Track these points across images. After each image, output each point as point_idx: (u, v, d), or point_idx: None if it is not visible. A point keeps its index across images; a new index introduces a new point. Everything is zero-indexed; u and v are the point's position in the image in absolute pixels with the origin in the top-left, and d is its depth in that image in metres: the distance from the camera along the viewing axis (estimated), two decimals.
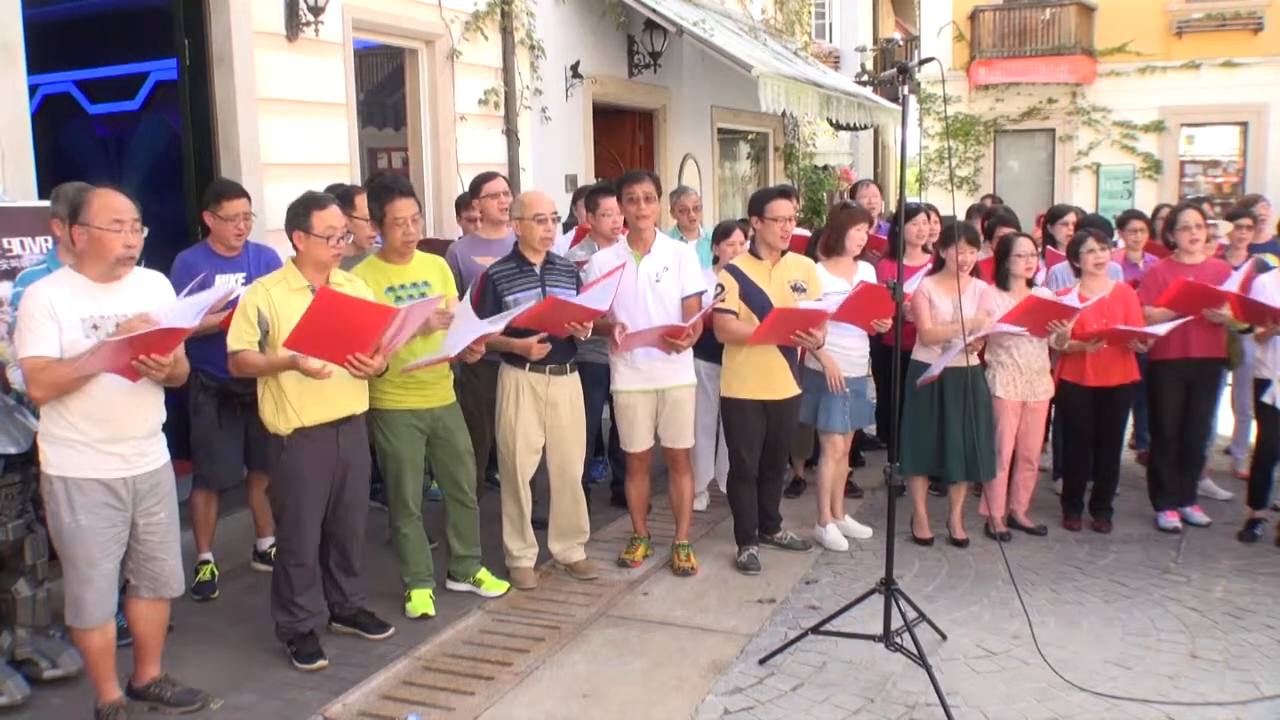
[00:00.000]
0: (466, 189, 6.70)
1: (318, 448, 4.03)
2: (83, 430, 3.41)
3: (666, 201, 7.02)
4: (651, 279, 4.91)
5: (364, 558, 4.43)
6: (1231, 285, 5.34)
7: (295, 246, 4.02)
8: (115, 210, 3.37)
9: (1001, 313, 5.26)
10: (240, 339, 3.90)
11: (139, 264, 3.57)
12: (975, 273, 5.38)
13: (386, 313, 3.82)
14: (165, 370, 3.40)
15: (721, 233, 5.86)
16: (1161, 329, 5.26)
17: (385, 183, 4.68)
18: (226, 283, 4.65)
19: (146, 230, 3.51)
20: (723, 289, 4.96)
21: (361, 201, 5.05)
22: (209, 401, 4.71)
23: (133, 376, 3.39)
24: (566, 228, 7.71)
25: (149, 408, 3.58)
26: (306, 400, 3.97)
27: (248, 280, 4.66)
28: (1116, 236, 6.77)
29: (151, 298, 3.55)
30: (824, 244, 5.55)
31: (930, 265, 5.65)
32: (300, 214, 3.97)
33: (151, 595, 3.70)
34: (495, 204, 5.58)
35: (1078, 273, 5.58)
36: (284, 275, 4.04)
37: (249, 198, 4.83)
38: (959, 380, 5.27)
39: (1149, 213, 7.18)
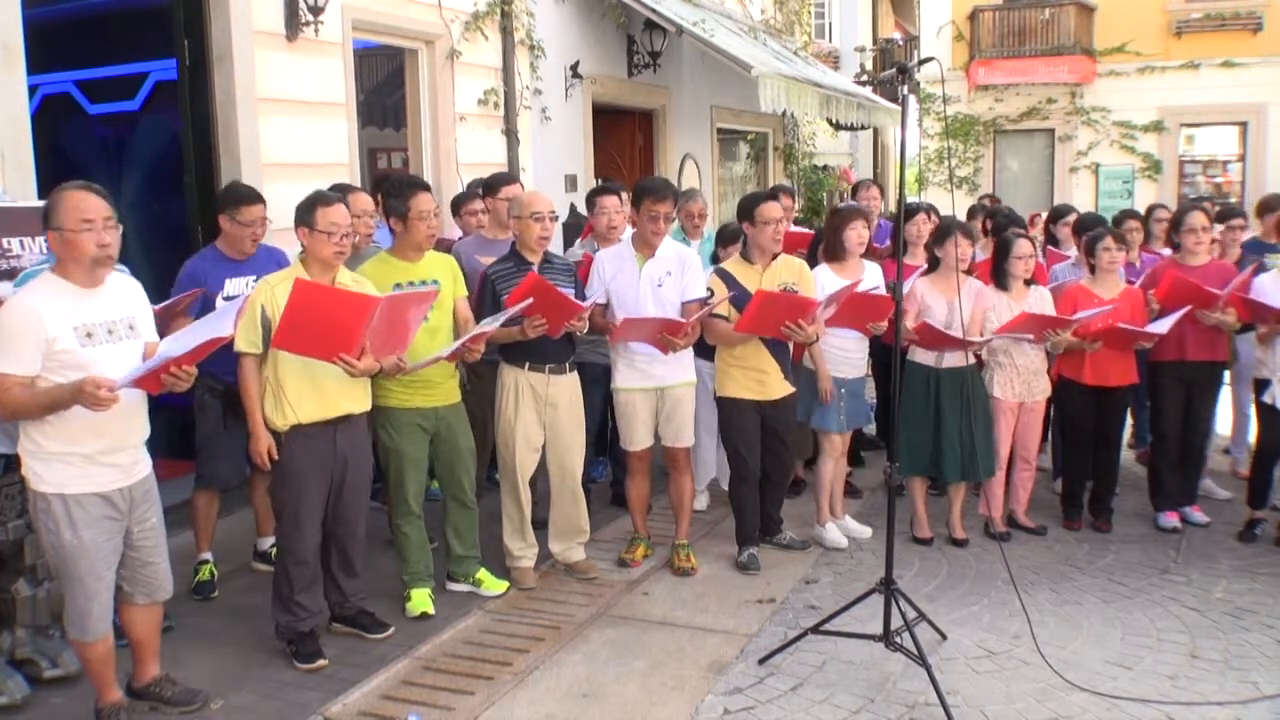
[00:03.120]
0: (465, 189, 6.69)
1: (315, 445, 4.03)
2: (83, 444, 3.36)
3: None
4: (654, 282, 4.91)
5: (365, 558, 4.43)
6: (1231, 288, 5.33)
7: (301, 243, 4.05)
8: (83, 210, 3.28)
9: (999, 311, 5.28)
10: (247, 339, 3.92)
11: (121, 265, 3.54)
12: (969, 272, 5.37)
13: (367, 303, 3.82)
14: (192, 379, 3.37)
15: (730, 236, 5.85)
16: (1163, 327, 5.25)
17: (405, 178, 4.70)
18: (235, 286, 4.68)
19: (121, 228, 3.44)
20: (712, 293, 4.94)
21: (355, 199, 5.05)
22: (214, 403, 4.70)
23: (155, 389, 3.38)
24: (567, 227, 7.73)
25: (142, 416, 3.57)
26: (304, 398, 3.98)
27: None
28: None
29: (131, 302, 3.53)
30: (825, 249, 5.50)
31: (925, 265, 5.64)
32: (306, 210, 4.01)
33: (146, 600, 3.69)
34: (506, 207, 5.58)
35: (1092, 269, 5.56)
36: (290, 274, 4.03)
37: (265, 203, 4.82)
38: (956, 380, 5.27)
39: (1138, 211, 7.19)
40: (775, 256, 5.05)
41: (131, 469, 3.51)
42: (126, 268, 3.70)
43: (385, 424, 4.54)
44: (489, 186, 5.79)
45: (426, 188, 4.60)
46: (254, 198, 4.79)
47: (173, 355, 3.27)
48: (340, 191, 5.08)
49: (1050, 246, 7.03)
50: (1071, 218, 7.05)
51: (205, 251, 4.82)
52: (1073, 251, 6.50)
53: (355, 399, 4.15)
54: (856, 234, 5.37)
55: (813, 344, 5.13)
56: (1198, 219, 5.57)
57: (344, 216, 4.04)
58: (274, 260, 4.87)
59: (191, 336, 3.41)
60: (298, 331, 3.72)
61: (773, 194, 5.29)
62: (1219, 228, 6.17)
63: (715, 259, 5.90)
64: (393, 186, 4.65)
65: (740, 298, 4.90)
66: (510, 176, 5.88)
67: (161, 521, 3.70)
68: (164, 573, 3.70)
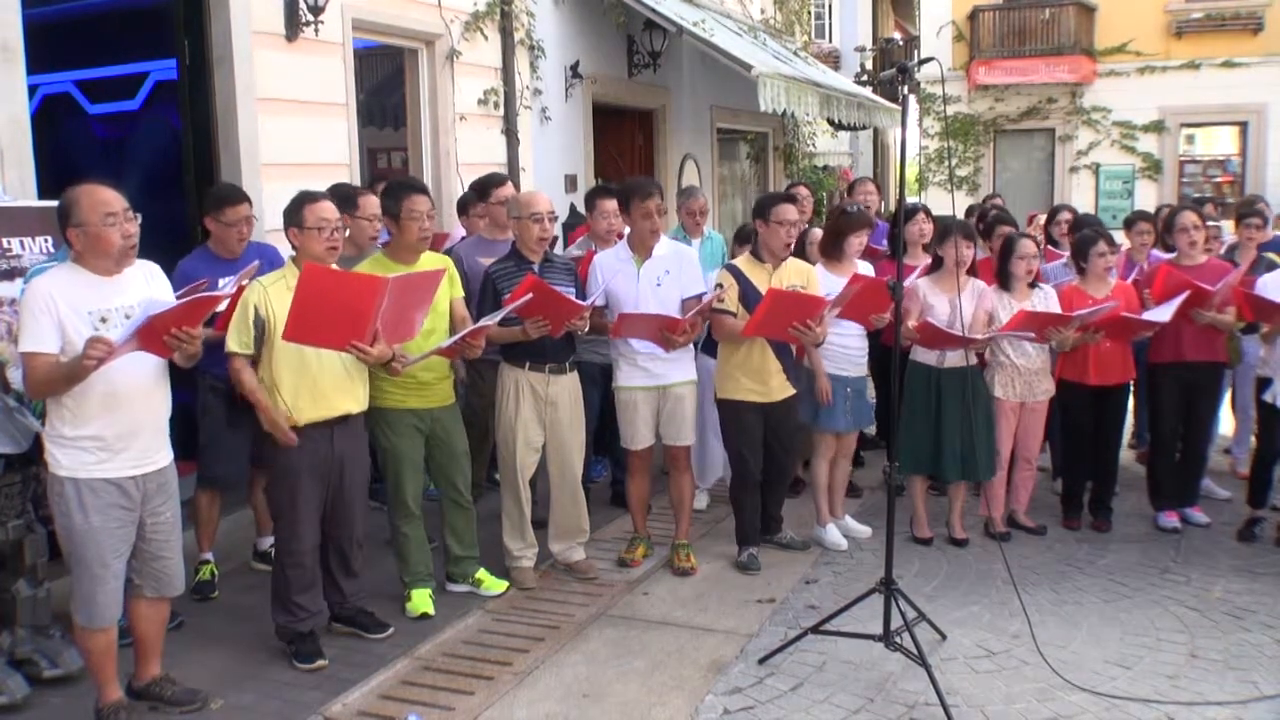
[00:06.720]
0: (466, 189, 6.69)
1: (313, 447, 4.03)
2: (97, 428, 3.40)
3: (671, 200, 7.02)
4: (652, 283, 4.91)
5: (364, 559, 4.43)
6: (1220, 286, 5.32)
7: (292, 244, 4.05)
8: (105, 204, 3.37)
9: (1003, 313, 5.28)
10: (239, 340, 3.92)
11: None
12: (972, 271, 5.38)
13: (377, 283, 3.79)
14: (197, 342, 3.43)
15: (747, 236, 5.85)
16: (1165, 315, 5.22)
17: (401, 180, 4.70)
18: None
19: (140, 217, 3.51)
20: (722, 287, 4.95)
21: (366, 202, 5.07)
22: (218, 402, 4.69)
23: (165, 353, 3.43)
24: (567, 227, 7.73)
25: (160, 404, 3.60)
26: (302, 400, 3.98)
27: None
28: (1122, 237, 6.80)
29: (152, 287, 3.58)
30: (822, 248, 5.53)
31: (927, 265, 5.65)
32: (293, 211, 4.01)
33: (155, 594, 3.71)
34: (504, 210, 5.58)
35: (1081, 271, 5.56)
36: (283, 274, 4.04)
37: (250, 201, 4.83)
38: (957, 380, 5.27)
39: (1150, 212, 7.21)
40: (786, 258, 5.06)
41: (147, 458, 3.54)
42: None
43: (382, 425, 4.54)
44: (481, 190, 5.79)
45: (423, 190, 4.60)
46: (237, 197, 4.78)
47: (156, 311, 3.29)
48: (345, 193, 5.09)
49: (1049, 246, 7.05)
50: (1064, 215, 7.11)
51: (197, 251, 4.81)
52: (1068, 251, 6.50)
53: (354, 398, 4.15)
54: (859, 241, 5.45)
55: (819, 345, 5.13)
56: (1189, 219, 5.56)
57: (332, 211, 4.04)
58: (266, 258, 4.85)
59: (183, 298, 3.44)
60: (308, 320, 3.71)
61: (790, 196, 5.29)
62: (1229, 230, 6.14)
63: (732, 257, 5.89)
64: (389, 187, 4.67)
65: (749, 295, 4.90)
66: (500, 178, 5.85)
67: (178, 517, 3.71)
68: (175, 568, 3.71)
